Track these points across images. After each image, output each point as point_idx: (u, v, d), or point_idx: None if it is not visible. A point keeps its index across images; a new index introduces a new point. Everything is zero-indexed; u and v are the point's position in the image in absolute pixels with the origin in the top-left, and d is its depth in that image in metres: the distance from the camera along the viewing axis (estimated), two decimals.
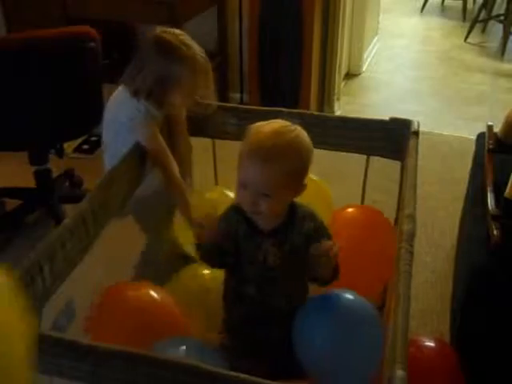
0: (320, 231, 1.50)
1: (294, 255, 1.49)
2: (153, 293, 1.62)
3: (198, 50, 1.85)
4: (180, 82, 1.83)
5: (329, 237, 1.49)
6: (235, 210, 1.52)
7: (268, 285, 1.52)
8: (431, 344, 1.83)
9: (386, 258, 1.74)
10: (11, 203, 2.92)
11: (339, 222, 1.89)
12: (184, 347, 1.43)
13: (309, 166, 1.45)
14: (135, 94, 1.85)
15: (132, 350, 1.13)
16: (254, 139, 1.41)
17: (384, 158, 2.01)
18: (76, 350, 1.14)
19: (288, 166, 1.39)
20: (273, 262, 1.50)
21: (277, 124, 1.43)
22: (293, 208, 1.50)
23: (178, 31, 1.86)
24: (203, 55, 1.85)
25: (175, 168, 1.92)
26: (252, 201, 1.41)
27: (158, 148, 1.89)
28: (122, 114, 1.89)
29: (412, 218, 1.45)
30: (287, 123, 1.44)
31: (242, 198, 1.43)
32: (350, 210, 1.96)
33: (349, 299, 1.50)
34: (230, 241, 1.53)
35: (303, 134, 1.44)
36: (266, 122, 1.44)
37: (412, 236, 1.39)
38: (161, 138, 1.90)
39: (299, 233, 1.49)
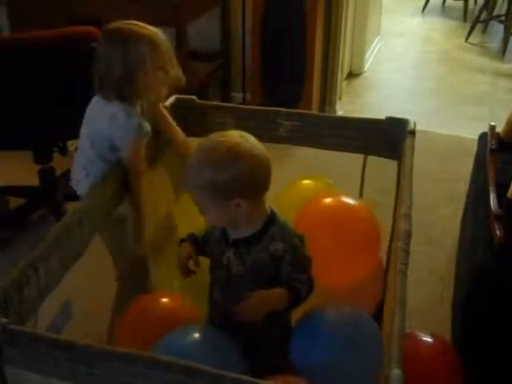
0: (287, 255, 1.45)
1: (258, 270, 1.47)
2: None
3: (152, 28, 1.75)
4: (145, 61, 1.69)
5: (294, 263, 1.44)
6: None
7: (232, 292, 1.51)
8: (429, 339, 1.83)
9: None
10: (15, 201, 2.94)
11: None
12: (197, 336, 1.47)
13: (246, 182, 1.38)
14: (119, 97, 1.72)
15: (128, 350, 1.13)
16: None
17: (381, 157, 2.00)
18: (72, 351, 1.13)
19: (205, 178, 1.37)
20: (236, 270, 1.50)
21: (226, 136, 1.41)
22: (268, 223, 1.47)
23: (124, 21, 1.77)
24: (159, 32, 1.75)
25: (142, 192, 1.81)
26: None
27: (137, 162, 1.77)
28: (109, 130, 1.75)
29: (408, 217, 1.44)
30: (239, 136, 1.41)
31: None
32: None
33: (346, 313, 1.51)
34: (206, 242, 1.60)
35: (245, 151, 1.38)
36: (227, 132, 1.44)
37: (408, 235, 1.39)
38: (143, 157, 1.79)
39: (264, 250, 1.46)
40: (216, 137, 1.42)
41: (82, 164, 1.86)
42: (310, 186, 2.11)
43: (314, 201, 1.88)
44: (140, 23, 1.76)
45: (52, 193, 2.82)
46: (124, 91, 1.72)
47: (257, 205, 1.45)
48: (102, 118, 1.77)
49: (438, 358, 1.77)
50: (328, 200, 1.88)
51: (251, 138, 1.43)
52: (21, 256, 1.35)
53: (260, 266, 1.47)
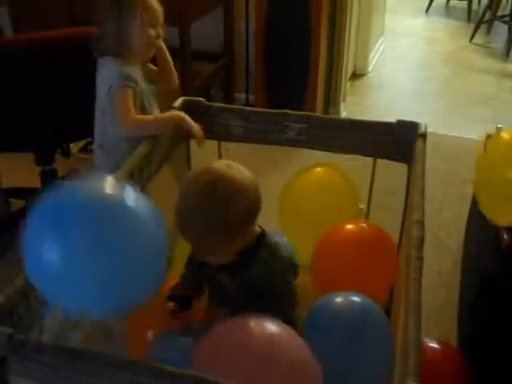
0: (267, 279, 1.45)
1: (247, 290, 1.48)
2: None
3: None
4: (136, 18, 1.88)
5: (271, 292, 1.45)
6: None
7: (227, 304, 1.54)
8: (435, 345, 1.83)
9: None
10: (16, 203, 2.92)
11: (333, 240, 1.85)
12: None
13: (225, 215, 1.36)
14: (113, 53, 1.90)
15: (133, 360, 1.11)
16: None
17: (391, 160, 1.98)
18: (77, 361, 1.12)
19: (187, 208, 1.39)
20: (230, 286, 1.51)
21: (208, 169, 1.41)
22: (254, 247, 1.47)
23: None
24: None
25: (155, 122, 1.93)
26: None
27: (122, 110, 1.87)
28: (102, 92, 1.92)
29: (421, 223, 1.42)
30: (223, 166, 1.40)
31: None
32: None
33: (356, 303, 1.50)
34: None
35: (224, 183, 1.37)
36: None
37: (421, 242, 1.36)
38: (130, 108, 1.87)
39: (251, 272, 1.46)
40: (201, 170, 1.43)
41: (98, 141, 2.02)
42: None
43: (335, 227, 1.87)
44: None
45: None
46: (117, 45, 1.89)
47: (243, 234, 1.43)
48: (100, 85, 1.95)
49: (444, 363, 1.77)
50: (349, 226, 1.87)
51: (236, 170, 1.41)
52: (22, 260, 1.32)
53: (248, 288, 1.47)
